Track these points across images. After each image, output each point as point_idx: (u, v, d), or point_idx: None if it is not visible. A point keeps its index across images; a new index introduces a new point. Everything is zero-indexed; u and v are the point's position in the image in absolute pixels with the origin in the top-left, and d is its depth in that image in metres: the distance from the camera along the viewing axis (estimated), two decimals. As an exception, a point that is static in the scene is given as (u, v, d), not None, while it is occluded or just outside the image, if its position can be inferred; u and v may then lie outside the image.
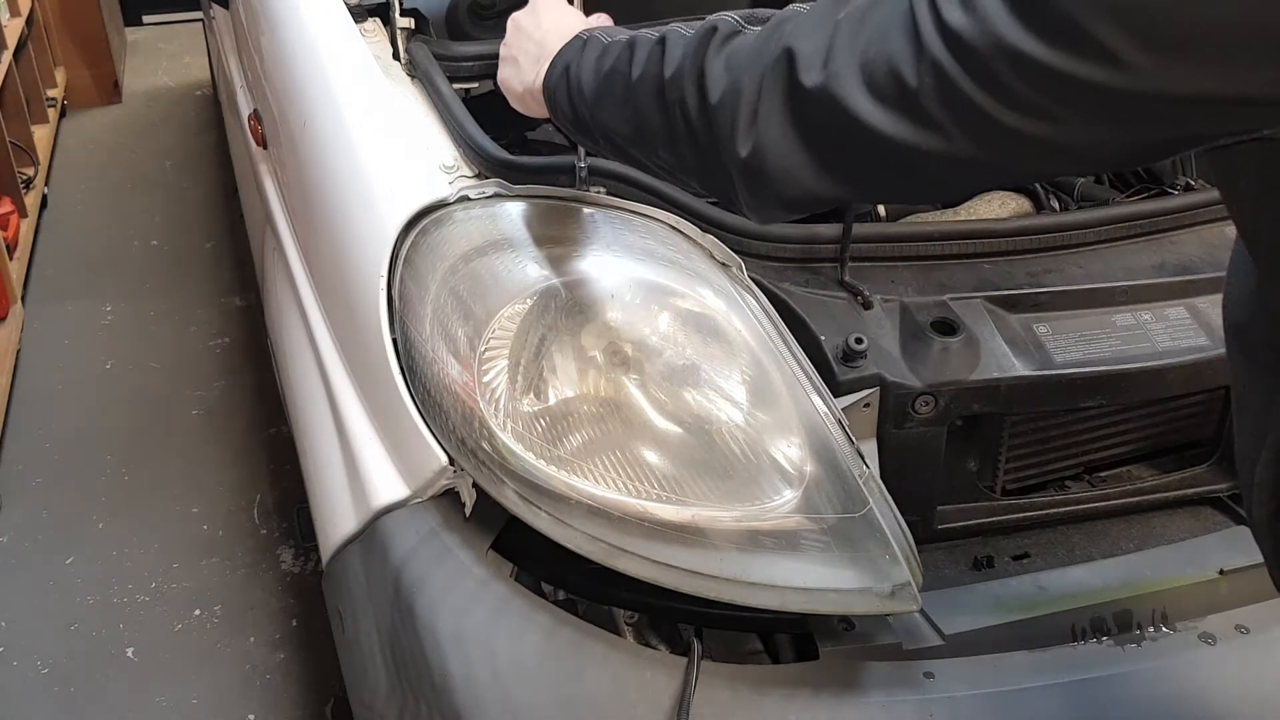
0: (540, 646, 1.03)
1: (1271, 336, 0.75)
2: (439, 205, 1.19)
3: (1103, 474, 1.32)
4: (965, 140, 0.60)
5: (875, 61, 0.62)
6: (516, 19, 1.04)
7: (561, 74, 0.89)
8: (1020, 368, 1.16)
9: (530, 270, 1.11)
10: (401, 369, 1.13)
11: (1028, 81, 0.56)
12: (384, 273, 1.17)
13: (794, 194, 0.69)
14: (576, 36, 0.91)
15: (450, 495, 1.12)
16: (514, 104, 1.04)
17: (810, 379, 1.08)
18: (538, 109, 0.97)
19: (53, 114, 3.97)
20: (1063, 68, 0.55)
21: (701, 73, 0.72)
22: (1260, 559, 0.83)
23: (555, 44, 0.93)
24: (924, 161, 0.62)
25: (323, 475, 1.28)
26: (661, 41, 0.78)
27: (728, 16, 0.76)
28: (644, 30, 0.83)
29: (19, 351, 2.75)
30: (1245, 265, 0.76)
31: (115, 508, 2.30)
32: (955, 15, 0.58)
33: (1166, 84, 0.54)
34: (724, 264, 1.17)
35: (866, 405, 1.13)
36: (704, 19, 0.78)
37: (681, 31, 0.78)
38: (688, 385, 1.05)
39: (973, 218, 1.48)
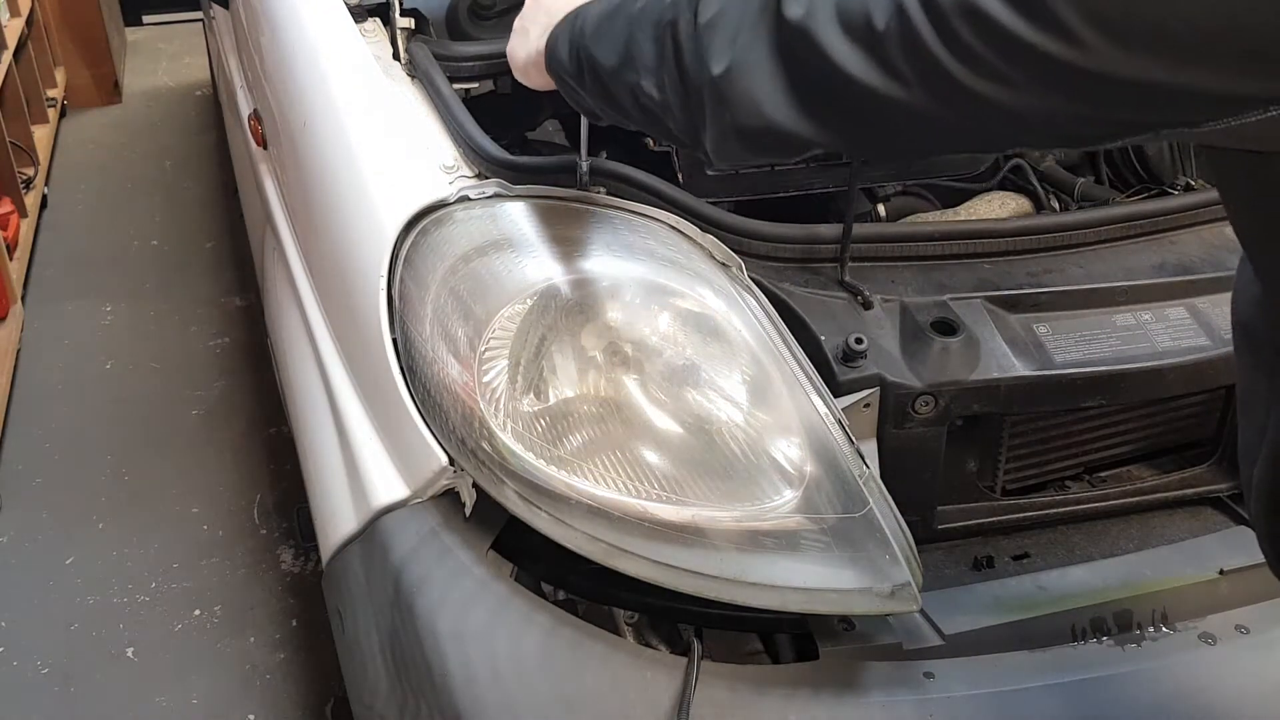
0: (540, 646, 1.03)
1: (1273, 337, 0.76)
2: (439, 205, 1.19)
3: (1103, 474, 1.32)
4: (923, 93, 0.61)
5: (852, 4, 0.63)
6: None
7: (569, 22, 0.91)
8: (1020, 368, 1.16)
9: (530, 270, 1.11)
10: (401, 369, 1.13)
11: (986, 42, 0.57)
12: (384, 273, 1.17)
13: (756, 124, 0.70)
14: (558, 26, 0.93)
15: (450, 495, 1.12)
16: (516, 73, 1.04)
17: (810, 379, 1.08)
18: (537, 77, 0.98)
19: (53, 114, 3.97)
20: (1020, 34, 0.56)
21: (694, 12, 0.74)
22: (1260, 559, 0.84)
23: (563, 10, 0.95)
24: (884, 108, 0.64)
25: (323, 475, 1.28)
26: None
27: None
28: None
29: (19, 351, 2.75)
30: (1251, 265, 0.76)
31: (115, 508, 2.30)
32: None
33: (1113, 66, 0.55)
34: (724, 264, 1.17)
35: (866, 405, 1.13)
36: None
37: None
38: (688, 385, 1.05)
39: (973, 218, 1.48)
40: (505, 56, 1.53)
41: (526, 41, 1.01)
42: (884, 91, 0.63)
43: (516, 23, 1.05)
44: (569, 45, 0.90)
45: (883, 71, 0.62)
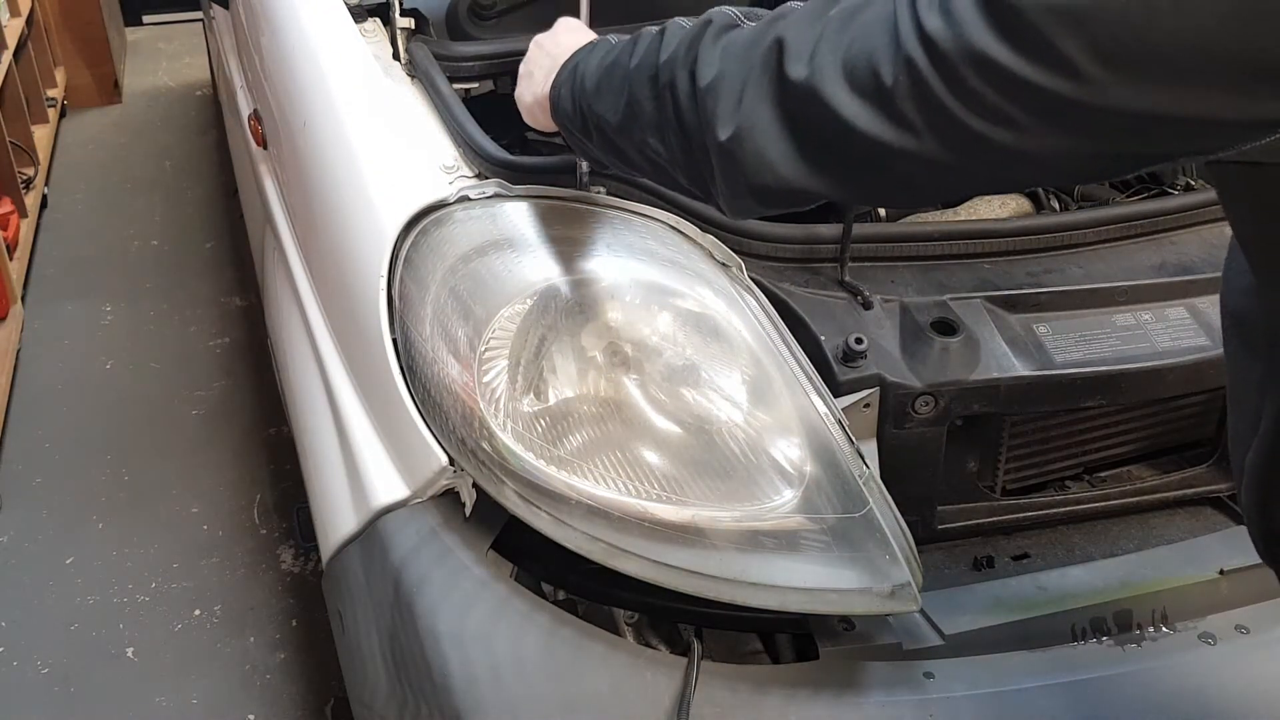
0: (540, 646, 1.03)
1: (1268, 330, 0.76)
2: (439, 205, 1.19)
3: (1103, 474, 1.32)
4: (933, 141, 0.62)
5: (857, 58, 0.64)
6: (538, 40, 1.06)
7: (569, 73, 0.92)
8: (1020, 368, 1.16)
9: (530, 270, 1.11)
10: (401, 369, 1.13)
11: (993, 86, 0.58)
12: (384, 273, 1.17)
13: (767, 181, 0.71)
14: (589, 42, 0.94)
15: (450, 495, 1.12)
16: (525, 117, 1.05)
17: (810, 379, 1.08)
18: (544, 120, 0.99)
19: (53, 114, 3.97)
20: (1026, 75, 0.57)
21: (695, 58, 0.75)
22: (1260, 559, 0.84)
23: (565, 55, 0.96)
24: (895, 160, 0.64)
25: (323, 475, 1.28)
26: (661, 32, 0.81)
27: (727, 10, 0.78)
28: (650, 27, 0.85)
29: (19, 351, 2.75)
30: (1244, 258, 0.77)
31: (115, 508, 2.30)
32: (933, 20, 0.60)
33: (1120, 99, 0.56)
34: (724, 264, 1.17)
35: (866, 405, 1.13)
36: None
37: (682, 24, 0.80)
38: (688, 385, 1.05)
39: (973, 218, 1.48)
40: (505, 56, 1.53)
41: (532, 86, 1.01)
42: (895, 143, 0.63)
43: (522, 66, 1.06)
44: (572, 99, 0.91)
45: (893, 124, 0.63)
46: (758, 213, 0.79)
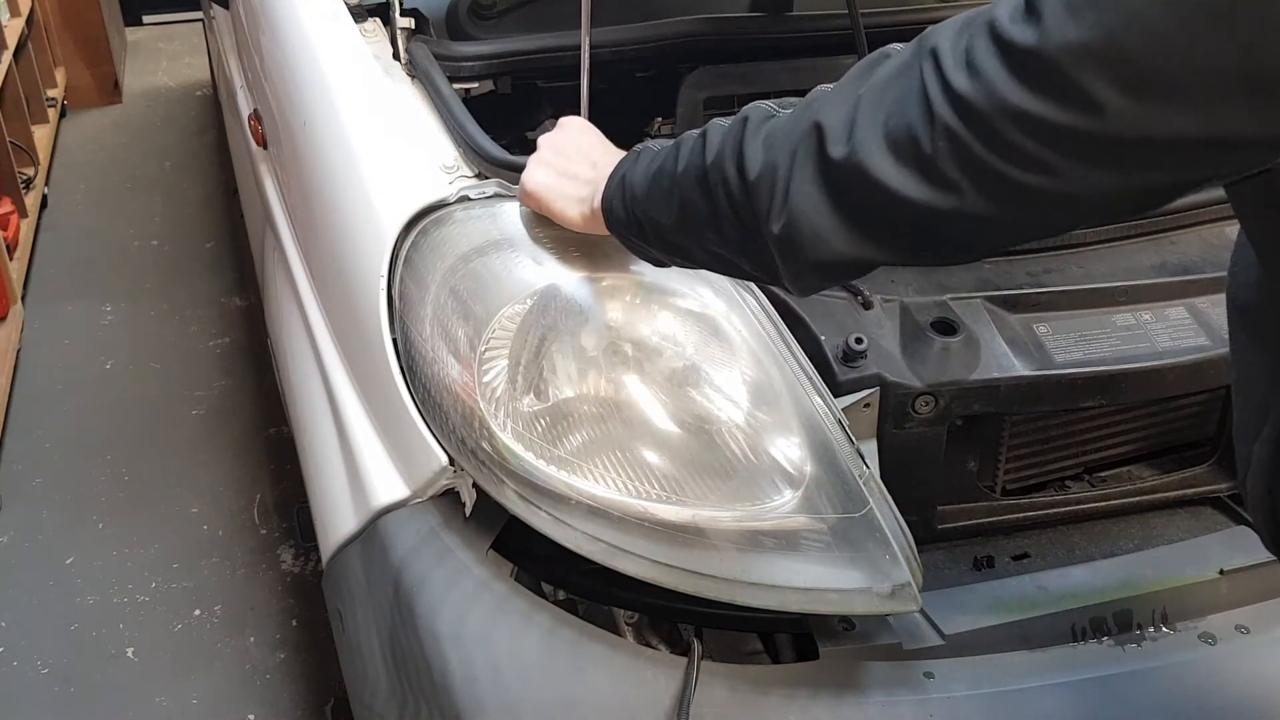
0: (540, 646, 1.03)
1: (1278, 322, 0.77)
2: (439, 205, 1.19)
3: (1103, 474, 1.32)
4: (979, 197, 0.64)
5: (895, 131, 0.66)
6: (554, 144, 1.07)
7: (618, 186, 0.93)
8: (1020, 368, 1.16)
9: (530, 270, 1.11)
10: (401, 369, 1.13)
11: (1028, 135, 0.60)
12: (384, 273, 1.17)
13: (827, 258, 0.73)
14: (631, 150, 0.95)
15: (450, 495, 1.12)
16: (572, 227, 1.05)
17: (810, 379, 1.08)
18: (597, 228, 0.99)
19: (53, 114, 3.97)
20: (1058, 120, 0.58)
21: (740, 154, 0.77)
22: (1260, 559, 0.84)
23: (608, 165, 0.97)
24: (945, 222, 0.66)
25: (323, 475, 1.28)
26: (703, 134, 0.83)
27: (762, 104, 0.80)
28: (689, 131, 0.87)
29: (19, 351, 2.75)
30: (1252, 252, 0.77)
31: (115, 508, 2.30)
32: (960, 80, 0.62)
33: (1149, 128, 0.57)
34: (724, 264, 1.17)
35: (866, 405, 1.13)
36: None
37: (720, 124, 0.83)
38: (688, 385, 1.05)
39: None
40: (505, 56, 1.53)
41: (579, 205, 1.02)
42: (944, 206, 0.65)
43: (544, 177, 1.06)
44: (625, 208, 0.92)
45: (939, 188, 0.64)
46: (825, 287, 0.82)
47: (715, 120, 0.84)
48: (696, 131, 0.85)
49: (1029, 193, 0.62)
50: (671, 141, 0.89)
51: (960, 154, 0.62)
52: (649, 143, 0.95)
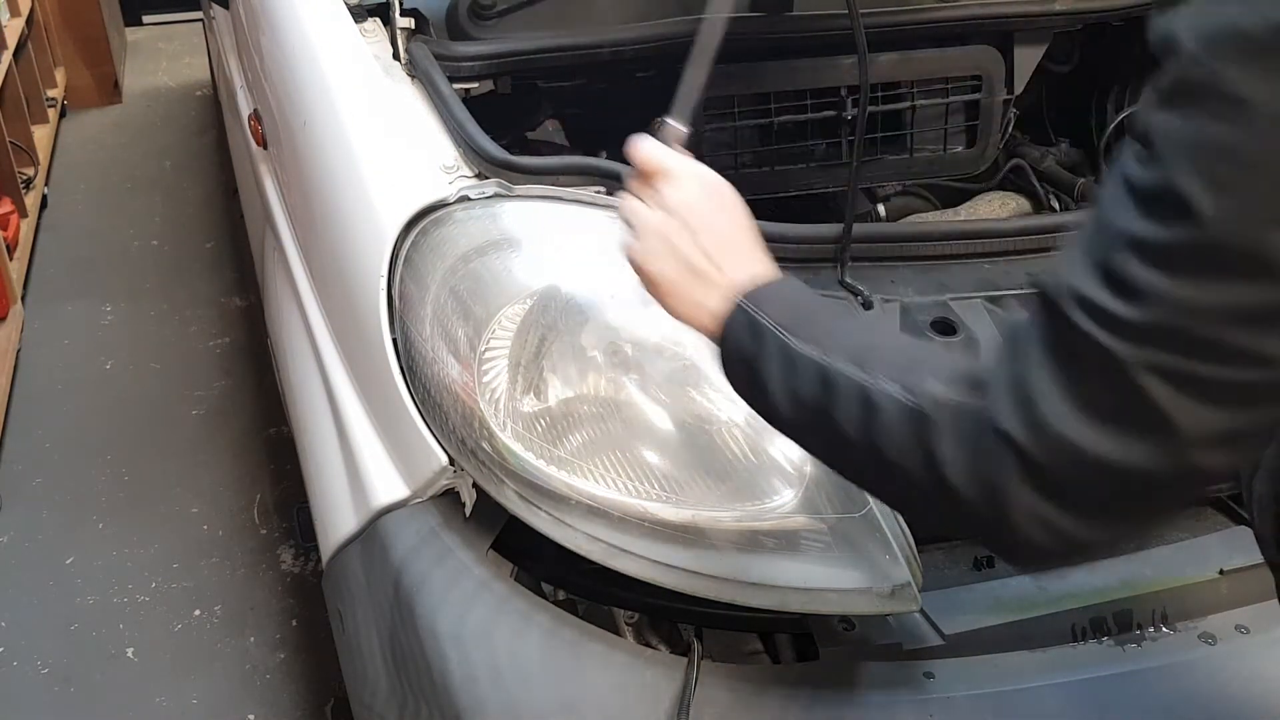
0: (540, 646, 1.03)
1: None
2: (439, 205, 1.19)
3: (1103, 474, 1.32)
4: (1191, 430, 0.60)
5: (1090, 393, 0.61)
6: (685, 219, 0.83)
7: (741, 365, 0.79)
8: (1020, 368, 1.15)
9: (530, 270, 1.10)
10: (401, 369, 1.13)
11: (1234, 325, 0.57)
12: (384, 273, 1.17)
13: (1060, 548, 0.68)
14: (741, 310, 0.79)
15: (450, 495, 1.12)
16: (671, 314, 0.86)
17: (810, 379, 1.08)
18: (707, 335, 0.83)
19: (53, 114, 3.97)
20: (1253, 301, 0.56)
21: (932, 459, 0.68)
22: (1260, 559, 0.84)
23: (732, 270, 0.81)
24: (1148, 483, 0.62)
25: (323, 475, 1.28)
26: (866, 402, 0.71)
27: (934, 390, 0.68)
28: (835, 361, 0.73)
29: (19, 351, 2.75)
30: None
31: (115, 508, 2.30)
32: (1120, 307, 0.59)
33: None
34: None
35: (866, 405, 1.13)
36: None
37: (888, 391, 0.69)
38: (688, 385, 1.05)
39: (973, 218, 1.48)
40: (505, 57, 1.52)
41: (711, 317, 0.81)
42: (1148, 465, 0.61)
43: (676, 236, 0.82)
44: (750, 396, 0.80)
45: (1135, 439, 0.61)
46: (1056, 568, 0.78)
47: (881, 381, 0.70)
48: (849, 371, 0.71)
49: (1238, 390, 0.58)
50: (791, 341, 0.75)
51: (1143, 404, 0.59)
52: (762, 317, 0.77)
